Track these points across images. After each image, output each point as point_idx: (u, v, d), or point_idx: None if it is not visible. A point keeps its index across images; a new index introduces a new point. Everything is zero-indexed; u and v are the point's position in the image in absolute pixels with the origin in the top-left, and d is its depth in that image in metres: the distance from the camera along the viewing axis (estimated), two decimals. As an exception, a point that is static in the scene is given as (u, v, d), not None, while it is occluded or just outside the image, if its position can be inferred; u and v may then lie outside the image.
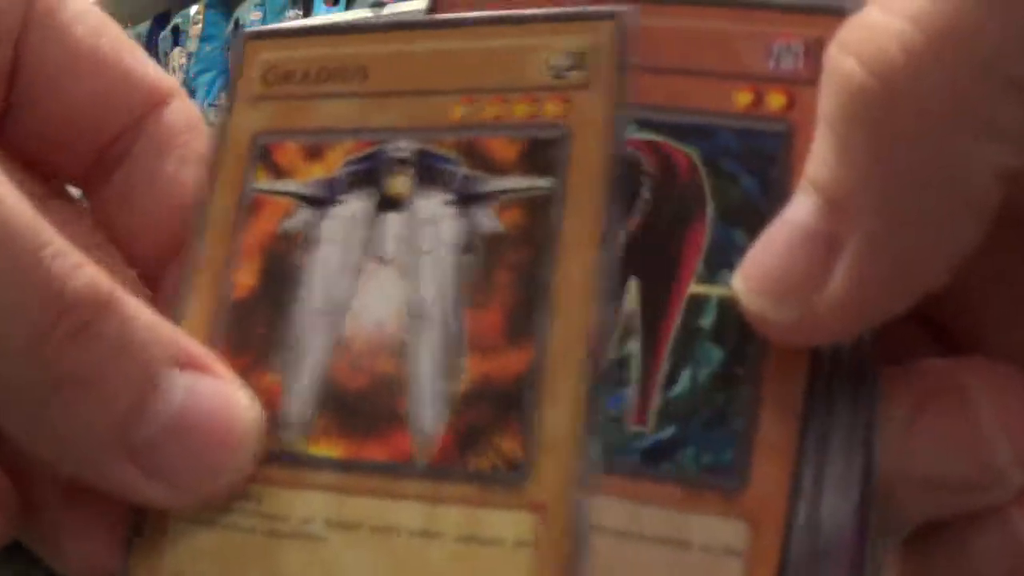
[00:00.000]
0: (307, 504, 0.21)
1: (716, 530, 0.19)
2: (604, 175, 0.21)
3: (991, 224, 0.18)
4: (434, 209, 0.22)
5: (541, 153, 0.22)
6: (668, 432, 0.19)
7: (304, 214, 0.23)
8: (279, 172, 0.23)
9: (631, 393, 0.20)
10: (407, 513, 0.21)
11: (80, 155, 0.25)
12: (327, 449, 0.21)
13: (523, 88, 0.22)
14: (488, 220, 0.22)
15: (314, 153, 0.23)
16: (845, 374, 0.19)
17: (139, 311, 0.21)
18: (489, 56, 0.22)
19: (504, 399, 0.21)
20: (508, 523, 0.20)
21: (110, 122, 0.25)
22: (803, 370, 0.19)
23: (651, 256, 0.20)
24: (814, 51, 0.20)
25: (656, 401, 0.19)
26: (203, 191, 0.23)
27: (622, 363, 0.20)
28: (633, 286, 0.20)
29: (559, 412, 0.20)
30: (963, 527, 0.21)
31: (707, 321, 0.19)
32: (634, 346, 0.20)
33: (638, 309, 0.20)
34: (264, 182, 0.23)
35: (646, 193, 0.20)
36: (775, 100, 0.20)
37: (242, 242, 0.23)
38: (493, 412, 0.21)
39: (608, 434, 0.19)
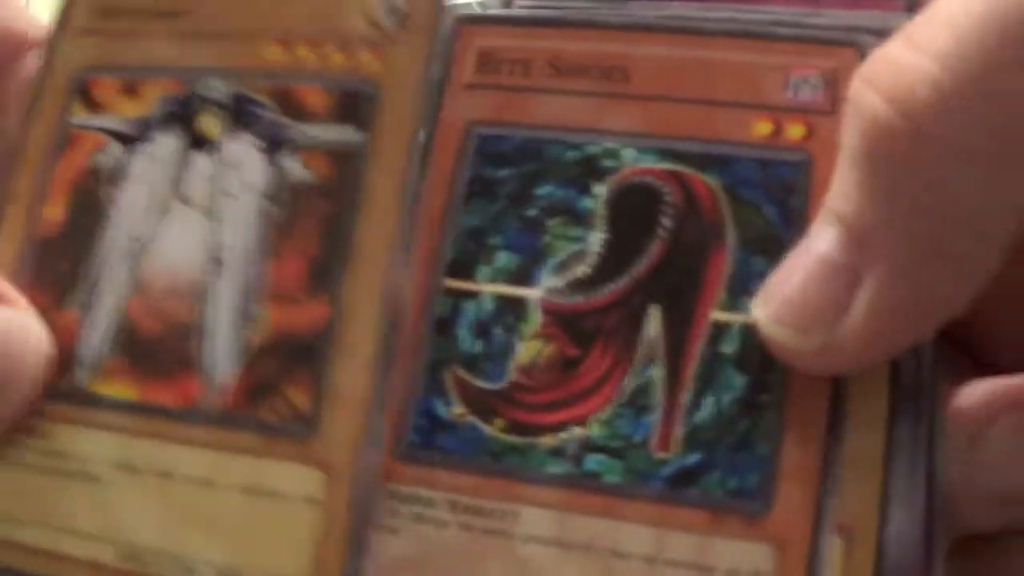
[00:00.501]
0: (93, 444, 0.21)
1: (742, 554, 0.19)
2: (411, 134, 0.21)
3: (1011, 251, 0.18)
4: (243, 153, 0.21)
5: (353, 106, 0.21)
6: (693, 458, 0.19)
7: (115, 150, 0.22)
8: (95, 107, 0.23)
9: (655, 419, 0.19)
10: (192, 460, 0.20)
11: None
12: (117, 390, 0.21)
13: (338, 36, 0.22)
14: (297, 168, 0.21)
15: (131, 89, 0.23)
16: (905, 394, 0.19)
17: None
18: (307, 2, 0.22)
19: (298, 351, 0.20)
20: (294, 477, 0.20)
21: None
22: (826, 394, 0.19)
23: (673, 283, 0.20)
24: (831, 82, 0.20)
25: (680, 427, 0.19)
26: (23, 124, 0.23)
27: (646, 389, 0.19)
28: (656, 313, 0.20)
29: (352, 369, 0.20)
30: (1010, 537, 0.21)
31: (730, 348, 0.19)
32: (657, 372, 0.20)
33: (661, 335, 0.20)
34: (80, 116, 0.23)
35: (668, 222, 0.20)
36: (794, 130, 0.20)
37: (54, 176, 0.23)
38: (286, 363, 0.20)
39: (633, 461, 0.19)
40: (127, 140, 0.22)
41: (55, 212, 0.22)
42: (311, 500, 0.20)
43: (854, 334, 0.18)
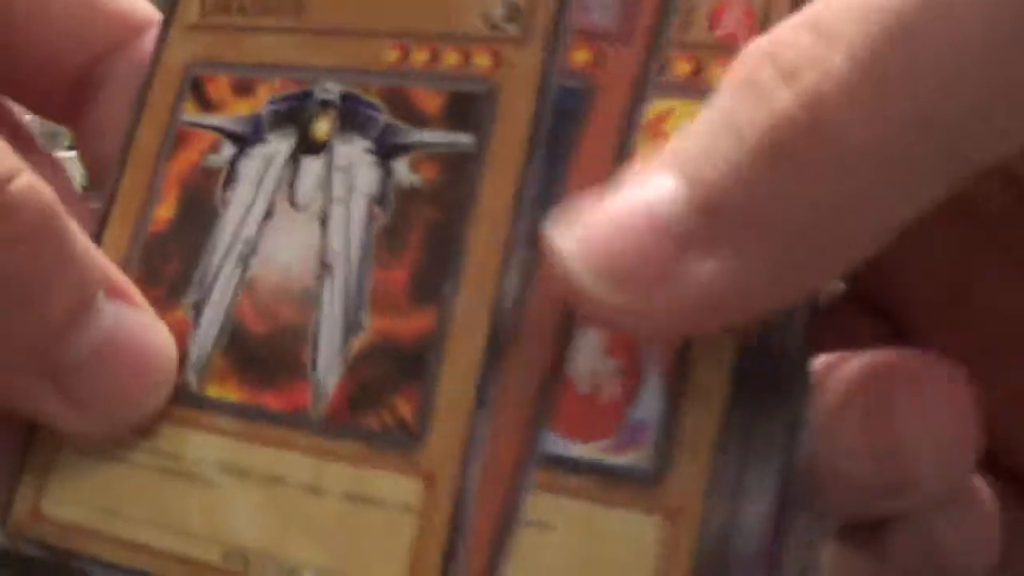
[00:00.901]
0: (202, 446, 0.21)
1: (393, 487, 0.19)
2: (528, 137, 0.20)
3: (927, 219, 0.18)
4: (352, 156, 0.21)
5: (465, 107, 0.21)
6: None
7: (228, 150, 0.22)
8: (208, 105, 0.23)
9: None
10: (297, 466, 0.20)
11: (56, 87, 0.25)
12: (225, 392, 0.21)
13: (455, 37, 0.21)
14: (405, 173, 0.21)
15: (244, 88, 0.22)
16: (764, 370, 0.19)
17: (79, 232, 0.20)
18: (426, 1, 0.21)
19: (403, 360, 0.20)
20: (394, 486, 0.20)
21: (83, 52, 0.25)
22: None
23: None
24: None
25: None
26: (130, 120, 0.23)
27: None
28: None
29: (457, 380, 0.20)
30: (883, 525, 0.21)
31: None
32: None
33: None
34: (192, 114, 0.23)
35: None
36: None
37: (165, 175, 0.23)
38: (391, 372, 0.20)
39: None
40: (239, 140, 0.22)
41: (165, 210, 0.22)
42: (410, 509, 0.19)
43: (681, 303, 0.17)
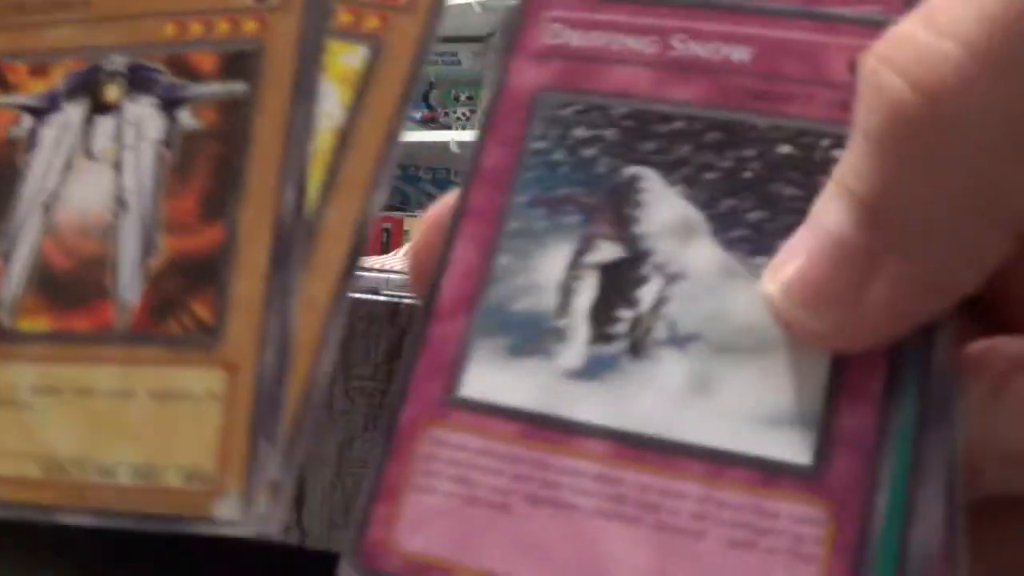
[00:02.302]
0: (15, 374, 0.22)
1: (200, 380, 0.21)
2: (292, 83, 0.24)
3: None
4: (141, 112, 0.24)
5: (237, 63, 0.24)
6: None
7: (27, 122, 0.24)
8: (7, 88, 0.25)
9: None
10: (106, 376, 0.22)
11: None
12: (35, 324, 0.23)
13: (226, 10, 0.24)
14: (187, 119, 0.24)
15: (39, 71, 0.25)
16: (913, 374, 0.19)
17: None
18: None
19: (198, 271, 0.22)
20: (198, 380, 0.22)
21: None
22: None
23: None
24: None
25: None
26: None
27: None
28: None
29: (249, 280, 0.22)
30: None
31: None
32: None
33: None
34: None
35: None
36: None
37: None
38: (187, 283, 0.22)
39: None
40: (37, 112, 0.24)
41: None
42: (216, 397, 0.21)
43: (871, 315, 0.18)
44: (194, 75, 0.24)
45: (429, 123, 2.60)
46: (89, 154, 0.24)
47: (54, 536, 0.23)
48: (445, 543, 0.19)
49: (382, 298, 0.39)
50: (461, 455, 0.20)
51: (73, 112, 0.24)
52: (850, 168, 0.18)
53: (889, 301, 0.18)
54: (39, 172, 0.24)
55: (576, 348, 0.20)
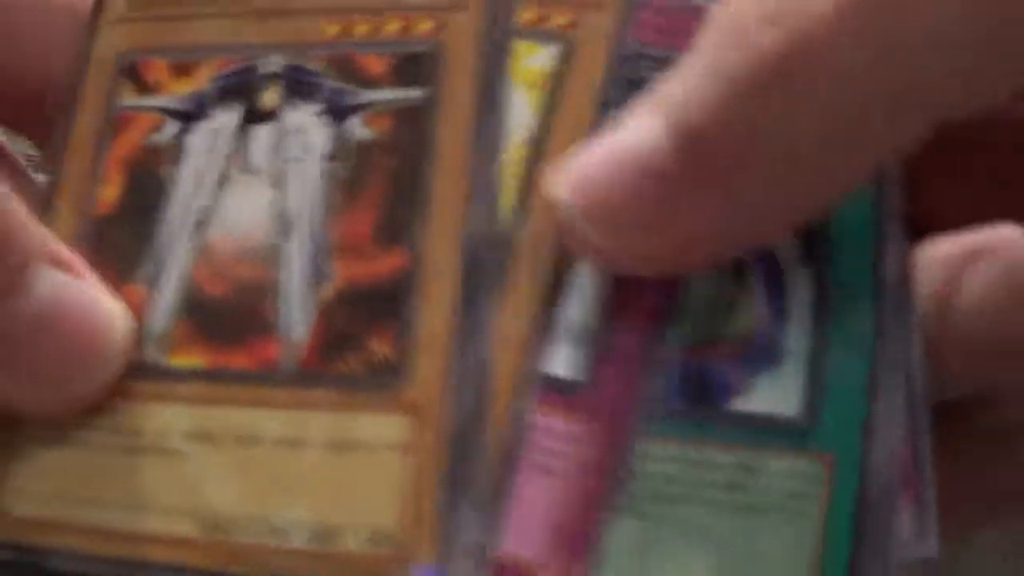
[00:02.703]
0: (167, 417, 0.20)
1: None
2: (476, 86, 0.21)
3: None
4: (303, 120, 0.21)
5: (412, 66, 0.21)
6: None
7: (171, 128, 0.22)
8: (147, 88, 0.22)
9: None
10: (272, 421, 0.19)
11: (22, 100, 0.24)
12: (189, 359, 0.20)
13: (396, 7, 0.22)
14: (358, 128, 0.21)
15: (183, 69, 0.22)
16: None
17: (18, 205, 0.19)
18: None
19: (375, 302, 0.19)
20: (379, 427, 0.19)
21: (47, 63, 0.24)
22: None
23: None
24: None
25: None
26: (62, 113, 0.22)
27: None
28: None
29: (433, 313, 0.19)
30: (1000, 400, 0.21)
31: None
32: None
33: None
34: (130, 99, 0.22)
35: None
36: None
37: (107, 159, 0.22)
38: (363, 315, 0.19)
39: None
40: (183, 117, 0.22)
41: (110, 193, 0.22)
42: (399, 446, 0.19)
43: (666, 245, 0.18)
44: (363, 80, 0.21)
45: None
46: (246, 168, 0.21)
47: None
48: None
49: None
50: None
51: (225, 118, 0.21)
52: (683, 92, 0.17)
53: (697, 233, 0.17)
54: (188, 187, 0.21)
55: None
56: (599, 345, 0.18)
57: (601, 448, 0.18)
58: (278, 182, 0.21)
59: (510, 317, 0.19)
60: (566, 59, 0.21)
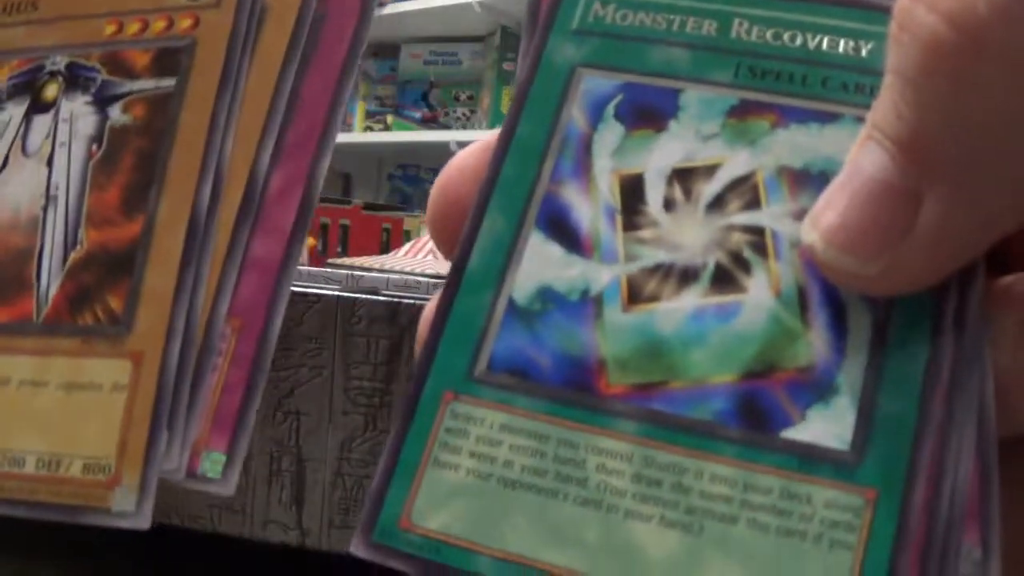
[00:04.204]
0: None
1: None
2: (221, 79, 0.23)
3: None
4: (76, 109, 0.24)
5: (169, 59, 0.24)
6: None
7: (-27, 121, 0.25)
8: None
9: None
10: (21, 366, 0.22)
11: None
12: None
13: (162, 8, 0.25)
14: (118, 115, 0.24)
15: None
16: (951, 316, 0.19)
17: None
18: None
19: (115, 263, 0.22)
20: (107, 370, 0.22)
21: None
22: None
23: None
24: None
25: None
26: None
27: None
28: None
29: (161, 272, 0.22)
30: None
31: None
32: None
33: None
34: None
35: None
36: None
37: None
38: (104, 274, 0.22)
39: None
40: (-18, 111, 0.25)
41: None
42: (120, 387, 0.21)
43: (919, 255, 0.18)
44: (128, 72, 0.24)
45: (429, 123, 2.57)
46: (25, 151, 0.24)
47: (52, 534, 0.23)
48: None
49: (382, 298, 0.38)
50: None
51: (14, 111, 0.24)
52: (884, 111, 0.18)
53: (934, 239, 0.17)
54: (-21, 168, 0.24)
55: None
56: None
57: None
58: (49, 163, 0.24)
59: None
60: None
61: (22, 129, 0.24)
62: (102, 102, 0.24)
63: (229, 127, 0.22)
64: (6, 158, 0.24)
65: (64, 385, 0.22)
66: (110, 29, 0.24)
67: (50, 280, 0.22)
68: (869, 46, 0.20)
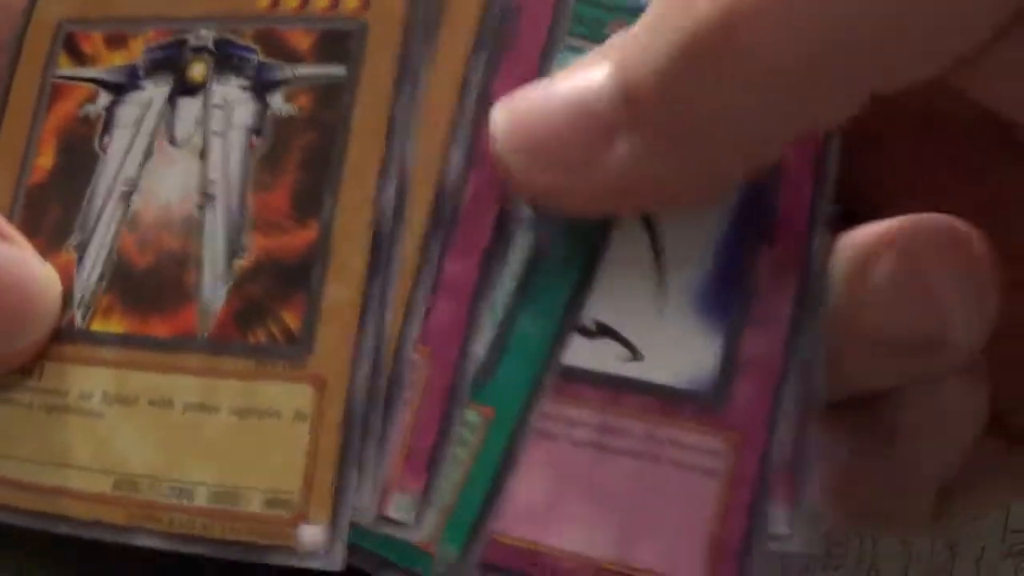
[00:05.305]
0: (87, 379, 0.20)
1: None
2: (397, 66, 0.21)
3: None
4: (229, 94, 0.21)
5: (336, 43, 0.21)
6: None
7: (104, 99, 0.22)
8: (82, 59, 0.23)
9: None
10: (185, 387, 0.20)
11: None
12: (111, 325, 0.20)
13: None
14: (280, 104, 0.21)
15: (117, 41, 0.22)
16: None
17: None
18: None
19: (287, 274, 0.20)
20: (286, 395, 0.19)
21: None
22: None
23: None
24: None
25: None
26: (5, 78, 0.23)
27: None
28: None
29: (341, 286, 0.20)
30: (893, 398, 0.20)
31: None
32: None
33: None
34: (67, 69, 0.23)
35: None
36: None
37: (42, 128, 0.22)
38: (275, 287, 0.20)
39: None
40: (116, 89, 0.22)
41: (44, 162, 0.22)
42: (302, 416, 0.19)
43: (594, 186, 0.18)
44: (289, 55, 0.21)
45: None
46: (172, 140, 0.21)
47: (51, 534, 0.21)
48: None
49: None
50: None
51: (155, 91, 0.22)
52: (632, 44, 0.18)
53: (623, 176, 0.18)
54: (117, 157, 0.21)
55: None
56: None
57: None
58: (202, 154, 0.21)
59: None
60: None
61: (167, 114, 0.21)
62: (260, 87, 0.21)
63: (411, 124, 0.20)
64: (150, 146, 0.21)
65: (237, 411, 0.19)
66: (264, 2, 0.22)
67: (213, 291, 0.20)
68: None
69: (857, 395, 0.20)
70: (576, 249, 0.20)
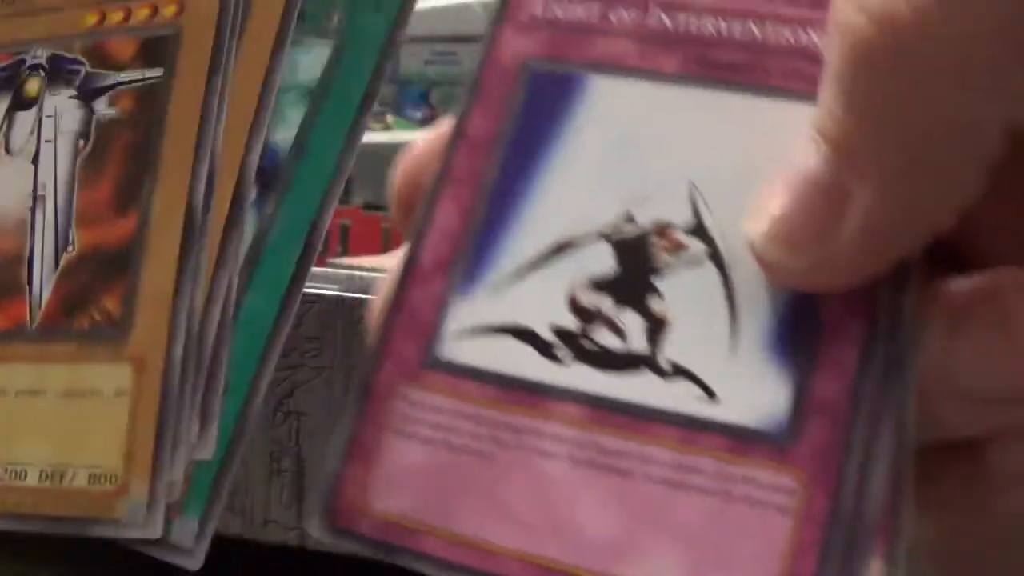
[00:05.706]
0: None
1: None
2: (210, 68, 0.22)
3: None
4: (60, 104, 0.23)
5: (155, 48, 0.22)
6: None
7: (-48, 120, 0.24)
8: None
9: None
10: (17, 374, 0.21)
11: None
12: None
13: None
14: (104, 108, 0.23)
15: None
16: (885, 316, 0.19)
17: None
18: None
19: (109, 263, 0.21)
20: (107, 376, 0.20)
21: None
22: None
23: None
24: None
25: None
26: None
27: None
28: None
29: (158, 271, 0.21)
30: (984, 446, 0.20)
31: None
32: None
33: None
34: None
35: None
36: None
37: None
38: (98, 275, 0.21)
39: None
40: (-38, 109, 0.24)
41: None
42: (122, 393, 0.20)
43: (845, 252, 0.18)
44: (113, 64, 0.23)
45: (430, 123, 2.57)
46: (8, 150, 0.23)
47: (53, 537, 0.22)
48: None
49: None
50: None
51: (-4, 108, 0.23)
52: (820, 111, 0.18)
53: (862, 236, 0.18)
54: (-39, 170, 0.23)
55: None
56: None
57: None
58: (34, 161, 0.22)
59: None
60: None
61: (4, 127, 0.23)
62: (87, 95, 0.23)
63: (221, 117, 0.21)
64: (-11, 158, 0.23)
65: (63, 392, 0.20)
66: (92, 19, 0.23)
67: (43, 284, 0.21)
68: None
69: (955, 444, 0.20)
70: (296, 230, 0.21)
